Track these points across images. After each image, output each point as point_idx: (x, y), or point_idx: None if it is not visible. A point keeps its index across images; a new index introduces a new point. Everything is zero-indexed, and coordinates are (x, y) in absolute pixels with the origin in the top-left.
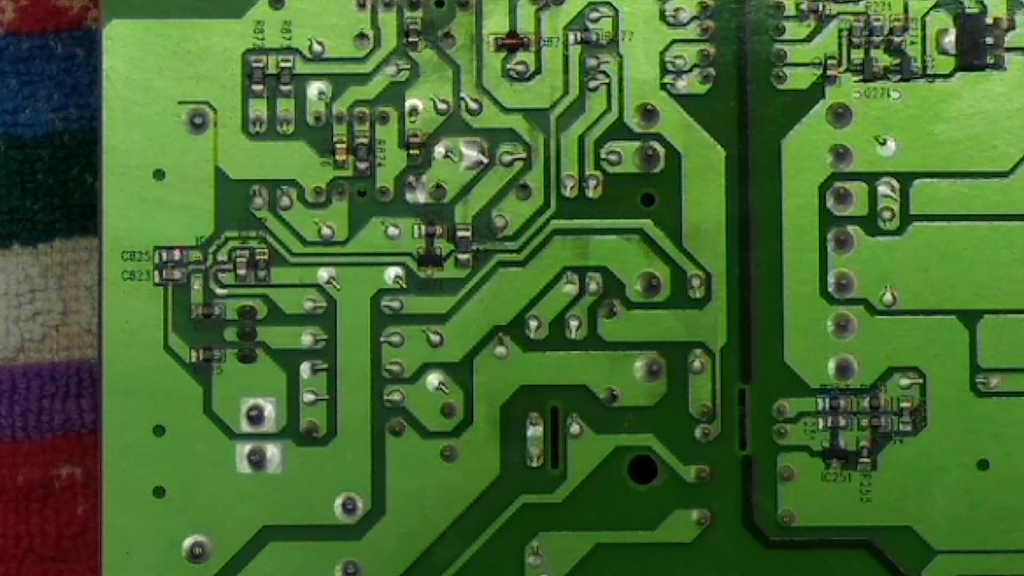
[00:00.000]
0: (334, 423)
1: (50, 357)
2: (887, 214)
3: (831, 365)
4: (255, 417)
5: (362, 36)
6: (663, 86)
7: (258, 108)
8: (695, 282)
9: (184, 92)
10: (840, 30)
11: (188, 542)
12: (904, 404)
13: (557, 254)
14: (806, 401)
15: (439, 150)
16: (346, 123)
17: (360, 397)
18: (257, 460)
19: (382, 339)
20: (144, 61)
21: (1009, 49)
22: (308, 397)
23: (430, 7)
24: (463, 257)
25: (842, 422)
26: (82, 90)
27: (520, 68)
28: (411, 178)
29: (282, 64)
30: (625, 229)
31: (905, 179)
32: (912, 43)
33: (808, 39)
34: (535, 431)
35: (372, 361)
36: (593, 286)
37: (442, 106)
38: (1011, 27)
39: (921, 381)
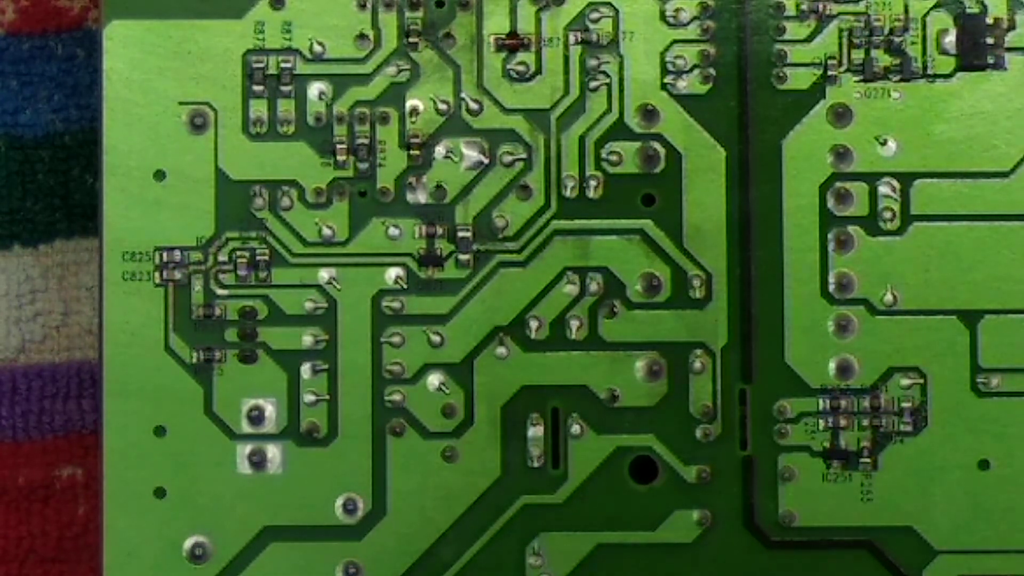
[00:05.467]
0: (335, 424)
1: (51, 358)
2: (888, 214)
3: (832, 365)
4: (256, 418)
5: (362, 37)
6: (663, 86)
7: (259, 109)
8: (696, 282)
9: (185, 93)
10: (840, 30)
11: (189, 543)
12: (905, 404)
13: (558, 254)
14: (807, 401)
15: (439, 150)
16: (346, 124)
17: (361, 398)
18: (258, 461)
19: (383, 340)
20: (144, 62)
21: (1009, 49)
22: (309, 398)
23: (430, 7)
24: (464, 257)
25: (843, 422)
26: (82, 91)
27: (520, 68)
28: (412, 178)
29: (282, 65)
30: (626, 229)
31: (905, 179)
32: (912, 43)
33: (808, 39)
34: (536, 431)
35: (373, 362)
36: (594, 286)
37: (442, 106)
38: (1011, 27)
39: (922, 381)
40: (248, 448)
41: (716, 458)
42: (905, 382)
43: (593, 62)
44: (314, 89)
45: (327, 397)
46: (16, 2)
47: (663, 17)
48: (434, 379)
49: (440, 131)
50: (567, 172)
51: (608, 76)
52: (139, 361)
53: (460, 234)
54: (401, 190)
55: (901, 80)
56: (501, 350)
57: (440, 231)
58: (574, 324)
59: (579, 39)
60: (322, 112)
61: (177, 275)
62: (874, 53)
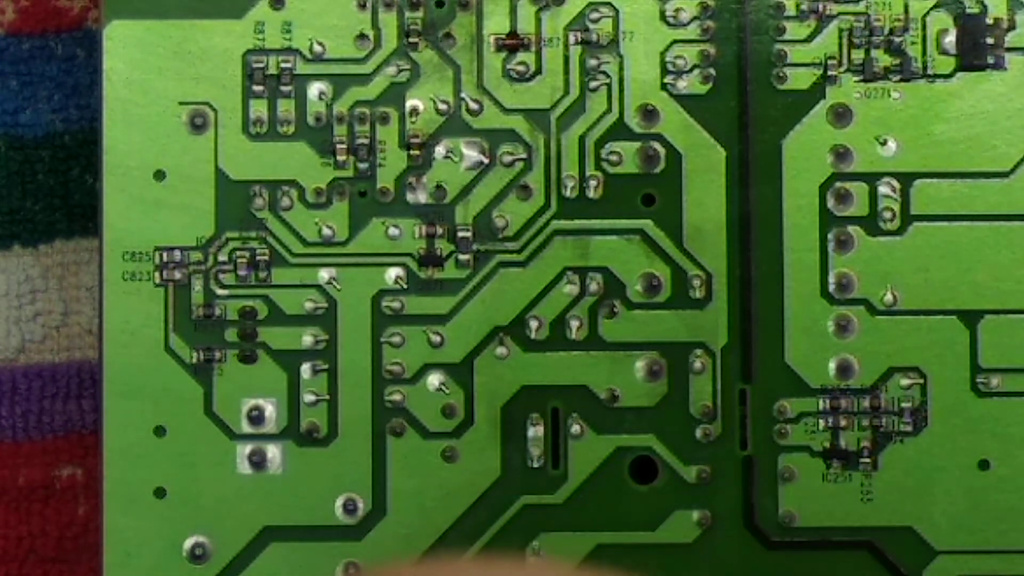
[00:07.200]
0: (335, 424)
1: (51, 358)
2: (887, 214)
3: (832, 365)
4: (256, 418)
5: (362, 37)
6: (663, 86)
7: (259, 109)
8: (696, 282)
9: (184, 93)
10: (840, 30)
11: (189, 543)
12: (905, 404)
13: (558, 254)
14: (807, 401)
15: (439, 150)
16: (346, 124)
17: (361, 398)
18: (258, 461)
19: (383, 340)
20: (144, 62)
21: (1009, 49)
22: (309, 398)
23: (430, 7)
24: (464, 258)
25: (843, 422)
26: (82, 91)
27: (520, 68)
28: (412, 178)
29: (282, 65)
30: (626, 229)
31: (905, 179)
32: (912, 43)
33: (808, 39)
34: (536, 432)
35: (373, 362)
36: (594, 286)
37: (442, 106)
38: (1011, 27)
39: (922, 381)
40: (248, 448)
41: (716, 458)
42: (905, 382)
43: (593, 62)
44: (314, 89)
45: (327, 397)
46: (16, 2)
47: (663, 17)
48: (434, 379)
49: (440, 131)
50: (567, 172)
51: (608, 76)
52: (139, 361)
53: (460, 234)
54: (401, 190)
55: (901, 80)
56: (501, 350)
57: (440, 231)
58: (574, 324)
59: (579, 39)
60: (322, 112)
61: (177, 275)
62: (874, 53)
